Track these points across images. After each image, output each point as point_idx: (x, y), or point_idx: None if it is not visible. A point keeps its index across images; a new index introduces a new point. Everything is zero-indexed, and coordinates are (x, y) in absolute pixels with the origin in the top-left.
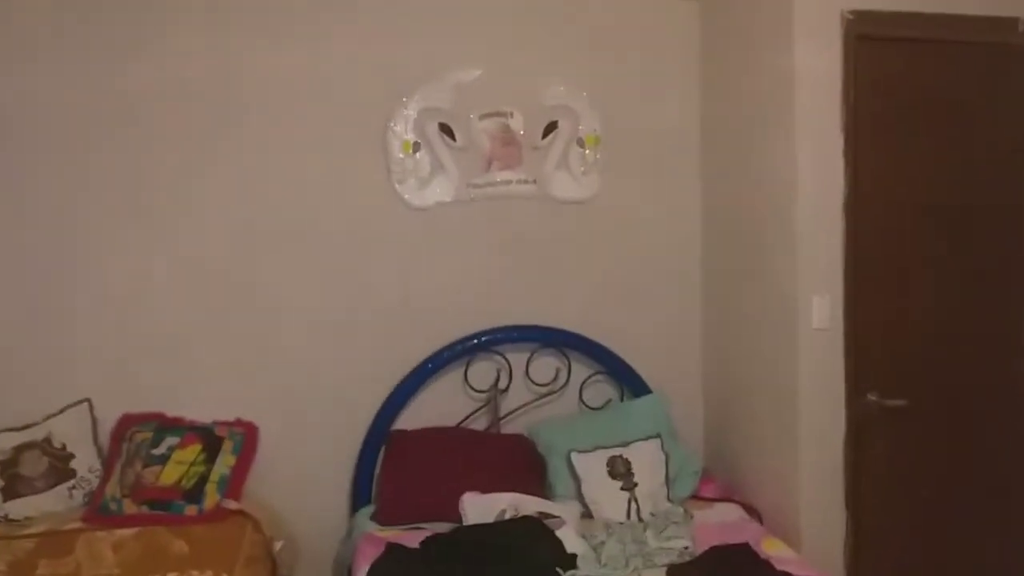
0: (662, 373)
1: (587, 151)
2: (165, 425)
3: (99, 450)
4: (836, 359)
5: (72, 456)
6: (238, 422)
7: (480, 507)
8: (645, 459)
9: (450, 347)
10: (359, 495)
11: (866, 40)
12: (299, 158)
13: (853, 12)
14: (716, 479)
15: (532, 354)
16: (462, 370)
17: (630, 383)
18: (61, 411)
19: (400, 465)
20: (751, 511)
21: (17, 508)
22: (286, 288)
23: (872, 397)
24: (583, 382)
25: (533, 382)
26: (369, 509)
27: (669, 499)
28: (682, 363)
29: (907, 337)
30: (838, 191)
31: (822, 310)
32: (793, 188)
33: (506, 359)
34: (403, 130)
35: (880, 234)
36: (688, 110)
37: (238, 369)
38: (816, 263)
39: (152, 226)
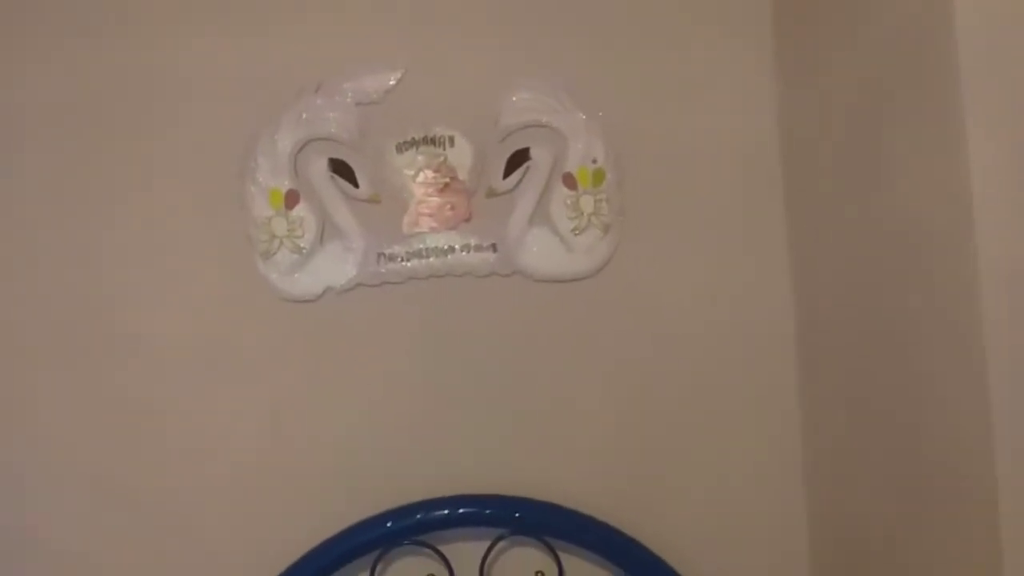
0: None
1: (582, 195)
2: None
3: None
4: None
5: None
6: None
7: None
8: None
9: (345, 536)
10: None
11: None
12: (93, 218)
13: None
14: None
15: (492, 547)
16: None
17: None
18: None
19: None
20: None
21: None
22: (60, 436)
23: None
24: None
25: None
26: None
27: None
28: (771, 567)
29: None
30: None
31: None
32: (967, 225)
33: (444, 557)
34: (271, 172)
35: None
36: (759, 110)
37: None
38: None
39: None
